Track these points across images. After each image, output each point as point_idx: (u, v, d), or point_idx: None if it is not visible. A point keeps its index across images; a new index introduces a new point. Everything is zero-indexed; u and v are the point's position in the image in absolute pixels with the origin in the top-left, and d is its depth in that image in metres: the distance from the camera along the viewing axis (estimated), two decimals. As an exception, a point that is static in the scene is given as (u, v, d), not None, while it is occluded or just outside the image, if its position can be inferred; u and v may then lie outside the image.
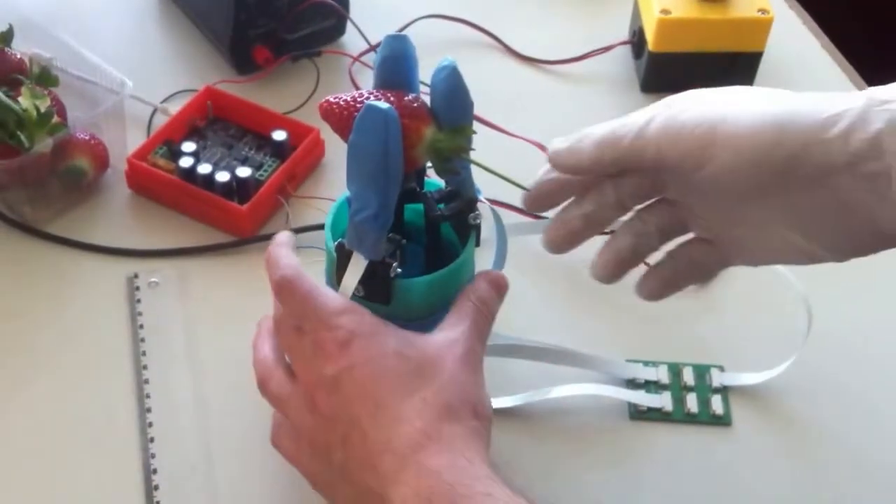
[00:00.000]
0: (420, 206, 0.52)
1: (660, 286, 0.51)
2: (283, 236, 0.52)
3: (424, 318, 0.51)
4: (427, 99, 0.49)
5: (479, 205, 0.52)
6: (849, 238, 0.45)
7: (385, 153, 0.45)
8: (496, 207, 0.54)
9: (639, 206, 0.50)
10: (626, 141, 0.47)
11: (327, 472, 0.48)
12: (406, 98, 0.48)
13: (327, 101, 0.49)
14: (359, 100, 0.48)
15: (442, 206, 0.51)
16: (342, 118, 0.48)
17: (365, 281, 0.49)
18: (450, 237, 0.53)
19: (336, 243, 0.50)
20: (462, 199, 0.51)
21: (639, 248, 0.50)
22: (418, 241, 0.53)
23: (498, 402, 0.57)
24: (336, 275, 0.50)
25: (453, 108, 0.48)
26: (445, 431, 0.45)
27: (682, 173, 0.46)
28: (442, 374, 0.46)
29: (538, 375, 0.58)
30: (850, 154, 0.43)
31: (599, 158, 0.48)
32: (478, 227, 0.51)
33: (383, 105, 0.45)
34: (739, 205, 0.46)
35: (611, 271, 0.50)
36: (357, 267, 0.48)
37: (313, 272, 0.52)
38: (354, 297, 0.49)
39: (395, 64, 0.48)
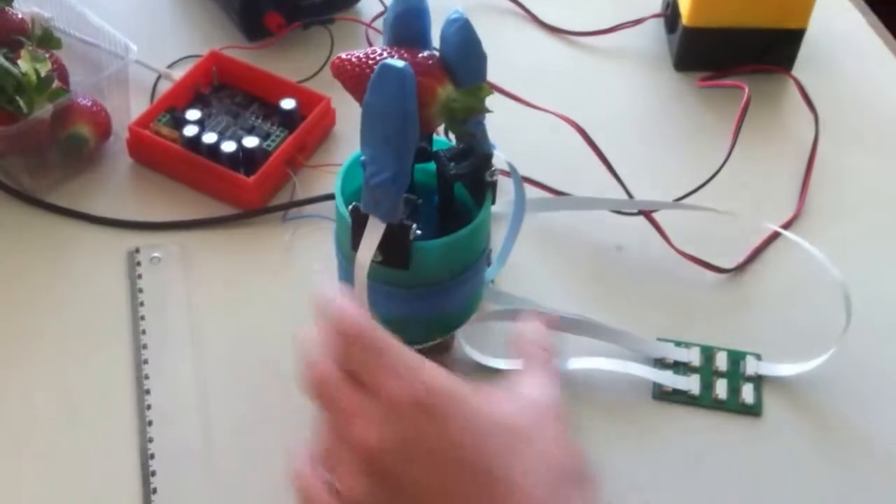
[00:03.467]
0: (429, 166, 0.52)
1: None
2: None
3: (443, 282, 0.51)
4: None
5: (494, 161, 0.52)
6: None
7: (402, 114, 0.45)
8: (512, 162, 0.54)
9: None
10: None
11: None
12: (420, 55, 0.47)
13: (339, 58, 0.48)
14: (372, 56, 0.47)
15: (454, 164, 0.51)
16: (354, 76, 0.47)
17: (382, 246, 0.49)
18: (461, 196, 0.53)
19: (351, 207, 0.49)
20: (476, 156, 0.51)
21: None
22: (429, 202, 0.53)
23: (517, 364, 0.57)
24: (352, 240, 0.49)
25: (467, 63, 0.47)
26: (568, 498, 0.42)
27: None
28: (545, 437, 0.43)
29: (562, 346, 0.57)
30: None
31: None
32: (494, 185, 0.51)
33: (399, 63, 0.44)
34: None
35: None
36: (374, 231, 0.48)
37: (319, 241, 0.52)
38: (372, 262, 0.49)
39: (409, 19, 0.48)
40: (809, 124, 0.72)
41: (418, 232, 0.49)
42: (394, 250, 0.49)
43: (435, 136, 0.53)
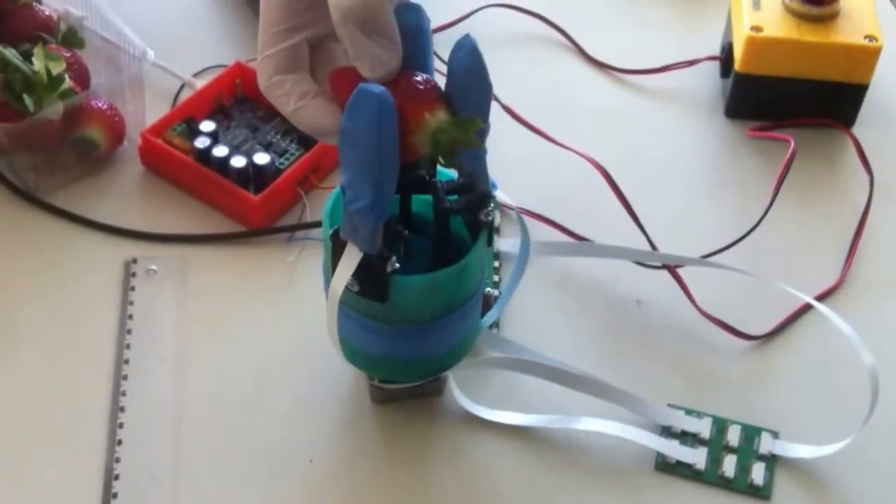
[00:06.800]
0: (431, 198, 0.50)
1: None
2: None
3: (425, 323, 0.49)
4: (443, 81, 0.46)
5: (495, 201, 0.50)
6: None
7: (378, 140, 0.43)
8: (519, 211, 0.52)
9: None
10: None
11: None
12: (414, 78, 0.45)
13: (341, 69, 0.47)
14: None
15: (453, 198, 0.49)
16: (345, 92, 0.45)
17: (360, 275, 0.47)
18: (462, 234, 0.51)
19: (332, 231, 0.48)
20: (474, 193, 0.49)
21: None
22: (428, 236, 0.51)
23: (513, 418, 0.55)
24: (332, 266, 0.48)
25: (468, 92, 0.45)
26: None
27: None
28: None
29: (564, 402, 0.56)
30: None
31: None
32: (490, 225, 0.49)
33: (376, 88, 0.43)
34: None
35: None
36: (351, 258, 0.47)
37: (317, 265, 0.51)
38: (348, 291, 0.47)
39: (407, 38, 0.46)
40: (864, 187, 0.68)
41: (397, 265, 0.47)
42: (370, 281, 0.47)
43: (441, 168, 0.51)
